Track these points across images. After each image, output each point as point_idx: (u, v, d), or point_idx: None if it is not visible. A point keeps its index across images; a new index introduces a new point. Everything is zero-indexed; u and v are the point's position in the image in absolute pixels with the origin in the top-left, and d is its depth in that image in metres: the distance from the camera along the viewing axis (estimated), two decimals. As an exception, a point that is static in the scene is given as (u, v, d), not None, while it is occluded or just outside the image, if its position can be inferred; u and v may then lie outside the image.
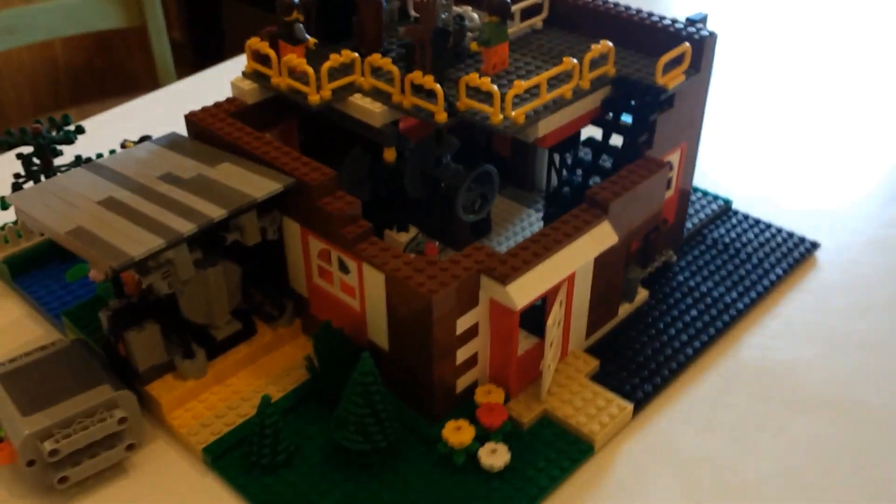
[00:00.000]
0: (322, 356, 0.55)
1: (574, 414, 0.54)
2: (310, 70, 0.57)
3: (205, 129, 0.59)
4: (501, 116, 0.54)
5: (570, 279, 0.54)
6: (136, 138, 0.68)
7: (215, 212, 0.50)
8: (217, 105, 0.61)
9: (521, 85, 0.54)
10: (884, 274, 0.69)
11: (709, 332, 0.61)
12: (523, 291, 0.50)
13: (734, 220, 0.73)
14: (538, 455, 0.52)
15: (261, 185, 0.52)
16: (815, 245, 0.71)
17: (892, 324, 0.64)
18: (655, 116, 0.59)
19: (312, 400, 0.56)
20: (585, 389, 0.56)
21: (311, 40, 0.60)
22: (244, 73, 0.62)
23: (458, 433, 0.51)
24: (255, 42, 0.60)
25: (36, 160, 0.65)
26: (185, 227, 0.49)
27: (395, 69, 0.56)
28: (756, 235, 0.71)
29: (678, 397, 0.57)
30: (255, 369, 0.58)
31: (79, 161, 0.67)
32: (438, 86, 0.54)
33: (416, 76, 0.56)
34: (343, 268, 0.54)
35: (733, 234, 0.72)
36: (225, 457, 0.52)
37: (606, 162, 0.61)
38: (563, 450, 0.52)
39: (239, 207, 0.50)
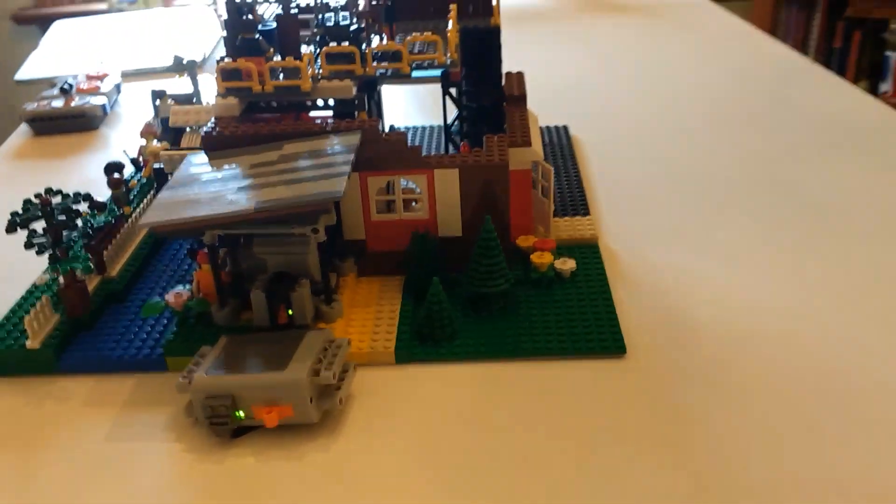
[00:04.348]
0: (416, 260, 0.69)
1: (576, 232, 0.78)
2: (301, 64, 0.70)
3: (230, 135, 0.68)
4: (444, 58, 0.75)
5: (526, 152, 0.77)
6: None
7: (349, 155, 0.62)
8: (216, 122, 0.70)
9: (444, 40, 0.76)
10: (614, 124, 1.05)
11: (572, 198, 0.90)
12: (538, 148, 0.72)
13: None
14: (577, 259, 0.74)
15: (345, 141, 0.65)
16: (566, 127, 1.04)
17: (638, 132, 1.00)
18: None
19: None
20: (564, 220, 0.80)
21: (271, 49, 0.73)
22: (220, 95, 0.71)
23: (542, 256, 0.71)
24: (228, 63, 0.70)
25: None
26: (344, 167, 0.60)
27: (354, 49, 0.73)
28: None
29: (600, 210, 0.85)
30: (360, 303, 0.69)
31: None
32: (405, 47, 0.73)
33: (381, 46, 0.73)
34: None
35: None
36: (411, 349, 0.64)
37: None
38: (587, 252, 0.76)
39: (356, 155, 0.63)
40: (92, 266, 0.64)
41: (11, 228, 0.62)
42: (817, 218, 0.81)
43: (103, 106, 1.15)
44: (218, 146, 0.68)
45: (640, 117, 1.10)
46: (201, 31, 1.52)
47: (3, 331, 0.65)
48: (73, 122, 1.13)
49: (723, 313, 0.67)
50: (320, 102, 0.75)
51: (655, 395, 0.59)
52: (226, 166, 0.64)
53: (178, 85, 1.05)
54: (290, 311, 0.62)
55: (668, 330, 0.66)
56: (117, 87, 1.25)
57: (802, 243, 0.77)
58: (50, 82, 1.26)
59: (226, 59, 0.70)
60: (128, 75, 1.32)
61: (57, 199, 0.64)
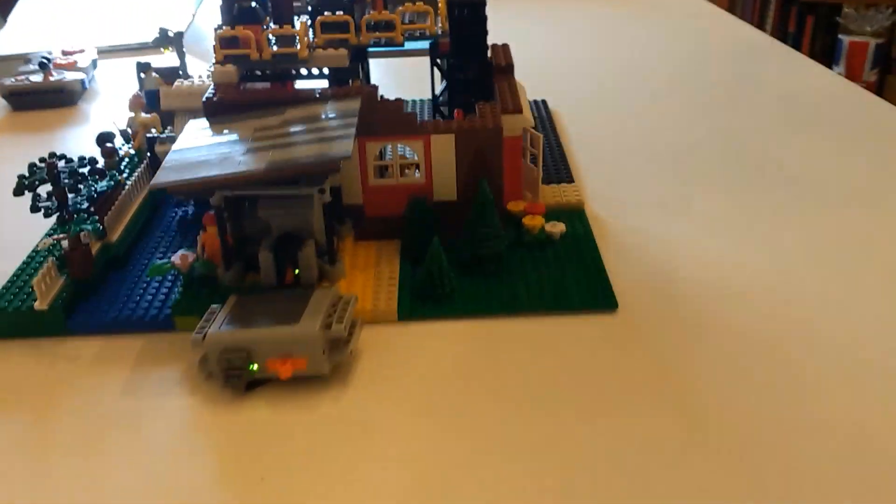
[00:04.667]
0: (413, 223, 0.71)
1: (563, 198, 0.81)
2: (298, 31, 0.72)
3: (230, 101, 0.69)
4: (436, 29, 0.77)
5: (514, 121, 0.80)
6: None
7: (352, 119, 0.64)
8: (216, 88, 0.71)
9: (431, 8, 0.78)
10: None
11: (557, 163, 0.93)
12: (528, 116, 0.75)
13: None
14: (566, 223, 0.77)
15: (345, 106, 0.67)
16: (545, 101, 1.07)
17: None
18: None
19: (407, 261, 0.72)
20: (549, 187, 0.83)
21: (267, 18, 0.74)
22: (217, 63, 0.72)
23: (534, 219, 0.74)
24: (226, 31, 0.72)
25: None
26: (349, 130, 0.62)
27: (348, 18, 0.75)
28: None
29: (583, 178, 0.88)
30: (359, 265, 0.71)
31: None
32: (399, 17, 0.75)
33: (375, 16, 0.75)
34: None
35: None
36: (412, 307, 0.66)
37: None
38: (574, 217, 0.79)
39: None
40: (102, 228, 0.65)
41: (20, 191, 0.63)
42: (786, 187, 0.86)
43: (82, 81, 1.15)
44: (219, 112, 0.69)
45: (614, 94, 1.13)
46: (170, 8, 1.52)
47: (8, 294, 0.66)
48: (52, 97, 1.13)
49: (705, 273, 0.71)
50: (315, 72, 0.77)
51: (646, 346, 0.62)
52: (229, 130, 0.66)
53: (162, 58, 1.06)
54: (297, 271, 0.64)
55: (654, 287, 0.69)
56: (93, 63, 1.25)
57: (773, 210, 0.81)
58: (24, 58, 1.25)
59: (224, 28, 0.72)
60: (103, 51, 1.31)
61: (61, 164, 0.65)
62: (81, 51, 1.25)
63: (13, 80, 1.13)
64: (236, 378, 0.58)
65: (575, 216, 0.79)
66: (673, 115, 1.05)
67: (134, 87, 0.96)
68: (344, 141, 0.61)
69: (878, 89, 2.45)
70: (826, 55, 2.64)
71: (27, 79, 1.13)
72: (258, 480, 0.52)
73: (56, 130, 1.09)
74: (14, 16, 1.55)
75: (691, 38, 1.37)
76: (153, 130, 0.88)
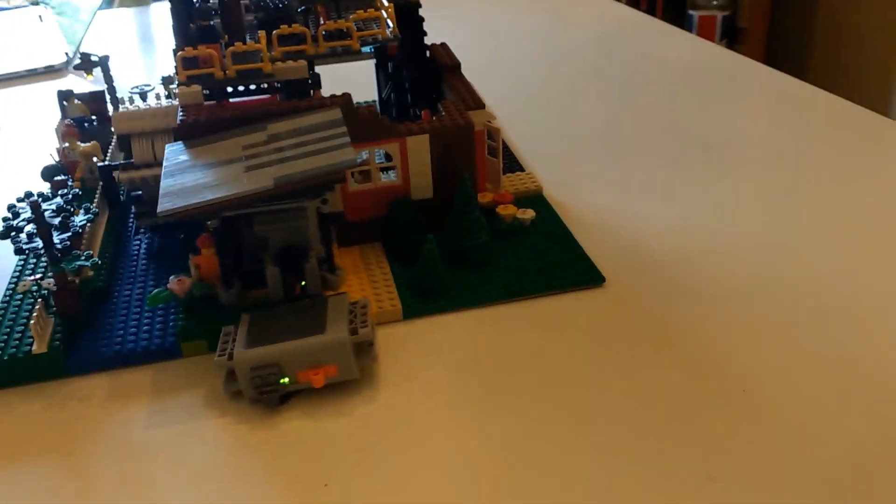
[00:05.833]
0: (396, 223, 0.73)
1: (523, 186, 0.85)
2: (262, 46, 0.72)
3: (206, 121, 0.68)
4: (387, 33, 0.79)
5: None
6: None
7: (341, 128, 0.65)
8: (185, 110, 0.70)
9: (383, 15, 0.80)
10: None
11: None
12: (489, 109, 0.78)
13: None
14: (531, 208, 0.81)
15: (326, 116, 0.68)
16: (469, 95, 1.11)
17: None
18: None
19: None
20: (506, 177, 0.86)
21: (226, 36, 0.74)
22: (181, 84, 0.71)
23: (507, 208, 0.77)
24: (189, 51, 0.71)
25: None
26: (343, 139, 0.63)
27: (305, 30, 0.76)
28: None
29: (530, 166, 0.92)
30: (350, 270, 0.72)
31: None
32: (353, 25, 0.77)
33: (329, 25, 0.76)
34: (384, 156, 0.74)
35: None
36: (415, 305, 0.68)
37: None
38: (537, 202, 0.83)
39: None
40: (98, 262, 0.64)
41: (6, 235, 0.60)
42: (707, 151, 0.94)
43: (-17, 115, 1.09)
44: (194, 134, 0.69)
45: (530, 85, 1.18)
46: (34, 33, 1.46)
47: (-3, 342, 0.64)
48: (-47, 134, 1.06)
49: (667, 236, 0.77)
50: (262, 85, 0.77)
51: (639, 313, 0.67)
52: (216, 151, 0.65)
53: (76, 84, 1.02)
54: (304, 283, 0.65)
55: (628, 258, 0.74)
56: (-13, 95, 1.18)
57: (703, 173, 0.89)
58: None
59: (185, 49, 0.71)
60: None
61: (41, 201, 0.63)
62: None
63: None
64: (270, 394, 0.58)
65: (537, 201, 0.83)
66: (588, 98, 1.11)
67: (29, 116, 0.92)
68: (344, 149, 0.62)
69: (728, 59, 2.64)
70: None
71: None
72: (321, 486, 0.53)
73: (-36, 169, 1.03)
74: None
75: (577, 24, 1.44)
76: (95, 159, 0.86)
